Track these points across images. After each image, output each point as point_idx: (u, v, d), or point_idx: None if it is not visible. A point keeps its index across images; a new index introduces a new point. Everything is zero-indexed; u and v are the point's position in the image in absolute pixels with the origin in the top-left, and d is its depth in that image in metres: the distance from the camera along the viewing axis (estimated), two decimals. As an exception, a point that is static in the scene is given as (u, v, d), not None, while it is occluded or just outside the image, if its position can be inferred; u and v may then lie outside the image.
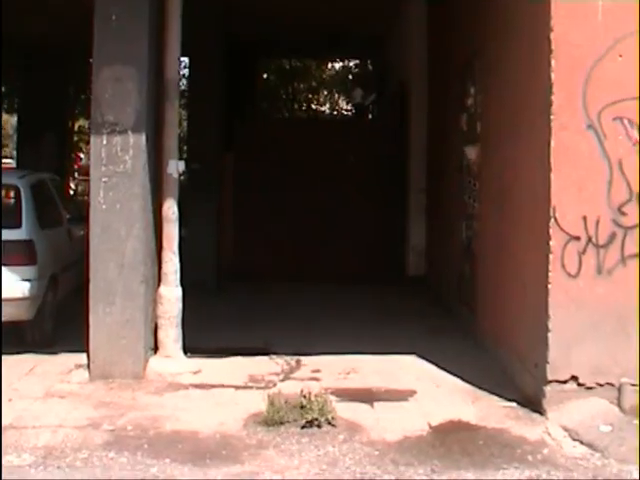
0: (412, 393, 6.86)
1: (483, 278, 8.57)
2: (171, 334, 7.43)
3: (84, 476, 5.13)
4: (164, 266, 7.48)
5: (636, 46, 6.12)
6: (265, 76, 25.68)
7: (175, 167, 7.49)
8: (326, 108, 31.27)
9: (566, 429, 5.91)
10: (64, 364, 7.52)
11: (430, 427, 6.02)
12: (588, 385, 6.17)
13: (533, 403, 6.36)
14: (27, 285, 7.90)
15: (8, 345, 7.68)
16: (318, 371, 7.46)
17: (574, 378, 6.17)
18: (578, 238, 6.14)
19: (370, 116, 20.72)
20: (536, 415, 6.22)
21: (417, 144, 12.76)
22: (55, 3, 12.56)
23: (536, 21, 6.47)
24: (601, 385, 6.18)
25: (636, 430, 5.74)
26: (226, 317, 9.94)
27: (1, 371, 6.91)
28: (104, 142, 7.08)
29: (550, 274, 6.15)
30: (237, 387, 7.01)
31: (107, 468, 5.26)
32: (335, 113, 30.68)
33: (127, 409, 6.36)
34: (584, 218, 6.14)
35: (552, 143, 6.12)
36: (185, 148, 13.69)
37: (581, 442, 5.72)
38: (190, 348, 7.59)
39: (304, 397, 6.10)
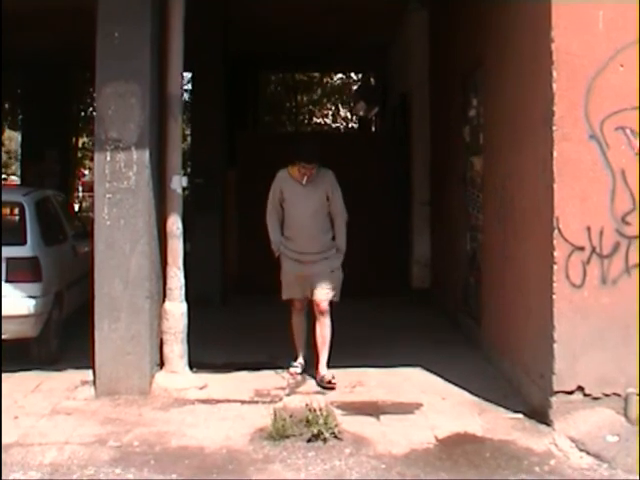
0: (418, 406, 6.85)
1: (488, 289, 8.56)
2: (176, 349, 7.43)
3: (91, 493, 5.15)
4: (169, 281, 7.48)
5: (637, 55, 6.12)
6: (268, 90, 25.74)
7: (179, 182, 7.49)
8: (330, 120, 31.31)
9: (573, 440, 5.90)
10: (70, 381, 7.53)
11: (437, 440, 6.01)
12: (594, 395, 6.15)
13: (539, 414, 6.34)
14: (32, 302, 7.91)
15: (14, 362, 7.70)
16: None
17: (580, 388, 6.15)
18: (582, 248, 6.14)
19: (373, 128, 20.75)
20: (543, 426, 6.20)
21: (420, 156, 12.74)
22: (58, 19, 12.61)
23: (537, 32, 6.48)
24: (607, 395, 6.16)
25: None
26: (231, 332, 9.95)
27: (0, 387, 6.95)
28: (108, 159, 7.10)
29: (554, 284, 6.14)
30: (243, 402, 7.00)
31: (114, 485, 5.27)
32: (339, 125, 30.71)
33: (133, 425, 6.35)
34: (588, 228, 6.14)
35: (554, 154, 6.12)
36: (189, 163, 13.72)
37: (588, 453, 5.70)
38: (196, 363, 7.59)
39: (310, 411, 6.11)
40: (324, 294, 7.70)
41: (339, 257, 7.87)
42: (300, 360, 7.95)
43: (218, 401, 7.01)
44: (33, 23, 12.86)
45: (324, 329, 7.72)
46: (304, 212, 7.73)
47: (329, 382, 7.37)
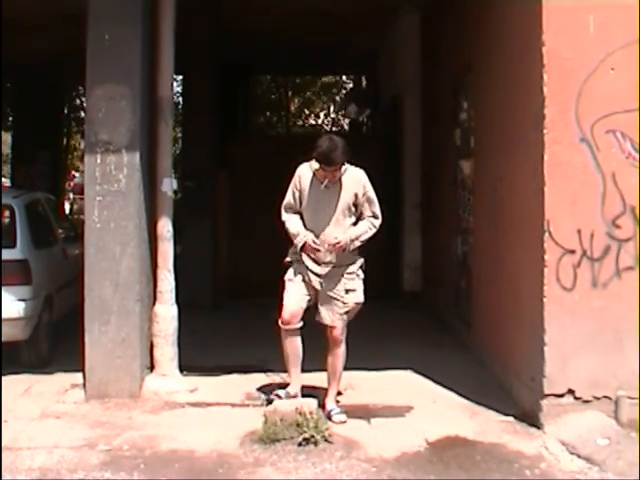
0: (409, 409, 6.84)
1: (479, 292, 8.56)
2: (167, 352, 7.41)
3: (80, 497, 5.12)
4: (159, 284, 7.46)
5: (627, 59, 6.13)
6: (259, 91, 25.71)
7: (169, 185, 7.47)
8: (321, 121, 31.28)
9: (564, 443, 5.90)
10: (60, 384, 7.50)
11: (427, 443, 6.00)
12: (585, 398, 6.16)
13: (530, 417, 6.34)
14: (22, 305, 7.88)
15: (4, 365, 7.65)
16: (315, 388, 7.43)
17: (571, 392, 6.16)
18: (573, 251, 6.14)
19: (365, 131, 20.73)
20: (533, 429, 6.20)
21: (411, 159, 12.76)
22: (50, 22, 12.58)
23: (528, 35, 6.48)
24: (598, 398, 6.17)
25: (633, 443, 5.72)
26: (222, 334, 9.92)
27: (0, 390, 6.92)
28: (98, 161, 7.07)
29: (545, 288, 6.14)
30: (233, 405, 6.99)
31: (103, 489, 5.24)
32: (330, 127, 30.68)
33: (123, 429, 6.33)
34: (578, 231, 6.14)
35: (545, 157, 6.13)
36: (180, 166, 13.68)
37: (579, 456, 5.70)
38: (186, 366, 7.57)
39: (300, 414, 6.09)
40: (339, 317, 6.71)
41: (360, 275, 6.75)
42: (293, 390, 6.81)
43: (208, 404, 7.00)
44: (25, 26, 12.82)
45: (337, 360, 6.75)
46: (323, 219, 6.65)
47: (337, 421, 6.41)
